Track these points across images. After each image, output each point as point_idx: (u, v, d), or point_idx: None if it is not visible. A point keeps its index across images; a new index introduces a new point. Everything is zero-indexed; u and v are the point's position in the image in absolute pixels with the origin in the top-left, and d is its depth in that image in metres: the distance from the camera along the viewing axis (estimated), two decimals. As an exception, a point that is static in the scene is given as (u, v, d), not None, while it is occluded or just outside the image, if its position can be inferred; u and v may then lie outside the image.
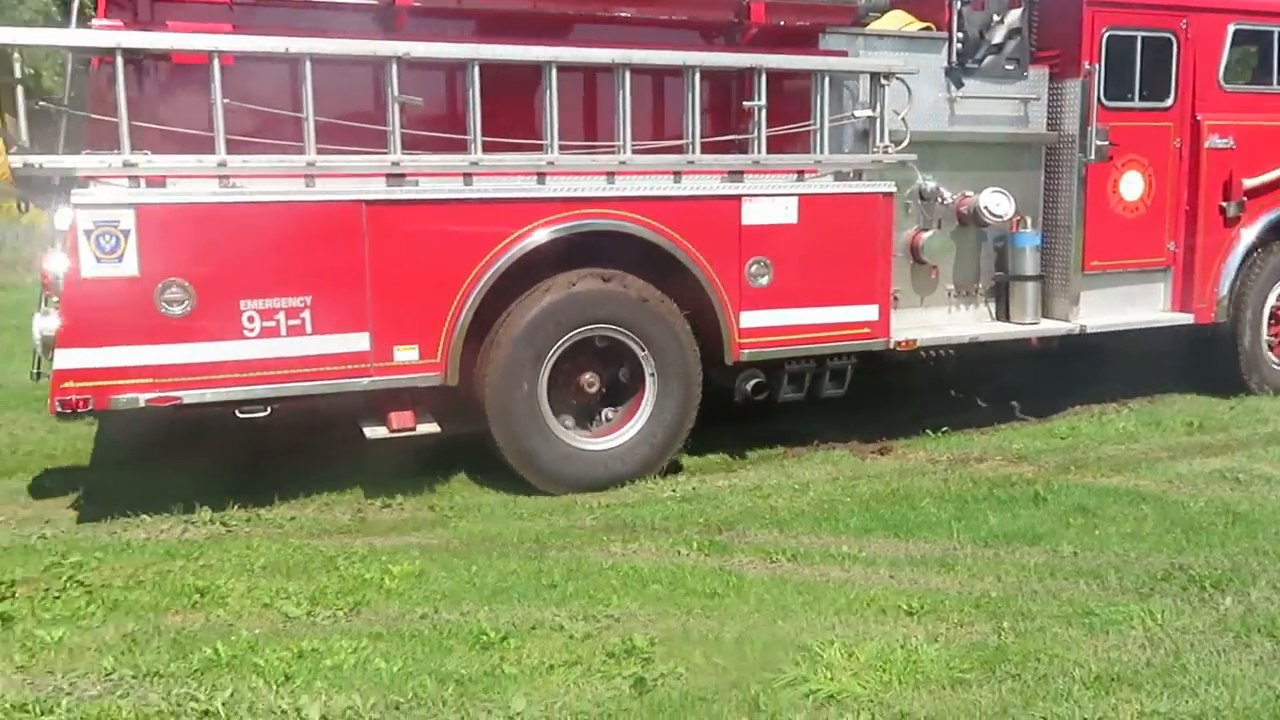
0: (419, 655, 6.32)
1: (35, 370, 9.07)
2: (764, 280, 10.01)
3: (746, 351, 10.09)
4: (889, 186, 10.29)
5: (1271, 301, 12.83)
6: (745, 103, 9.93)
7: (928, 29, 11.10)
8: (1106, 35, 11.42)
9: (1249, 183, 12.23)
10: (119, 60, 8.07)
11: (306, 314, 8.62)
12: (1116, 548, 8.10)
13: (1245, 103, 12.29)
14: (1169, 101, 11.92)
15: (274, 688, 5.88)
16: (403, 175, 8.88)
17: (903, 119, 10.25)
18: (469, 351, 9.36)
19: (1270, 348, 12.96)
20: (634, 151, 9.53)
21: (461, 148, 9.08)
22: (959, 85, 10.99)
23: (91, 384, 8.14)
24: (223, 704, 5.69)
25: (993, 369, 12.59)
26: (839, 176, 10.28)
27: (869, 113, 10.23)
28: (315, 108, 8.54)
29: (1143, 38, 11.64)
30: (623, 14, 10.09)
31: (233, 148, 8.38)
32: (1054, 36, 11.56)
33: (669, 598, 7.19)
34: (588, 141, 9.80)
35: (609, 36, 9.91)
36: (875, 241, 10.29)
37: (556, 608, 7.01)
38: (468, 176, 9.11)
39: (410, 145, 8.94)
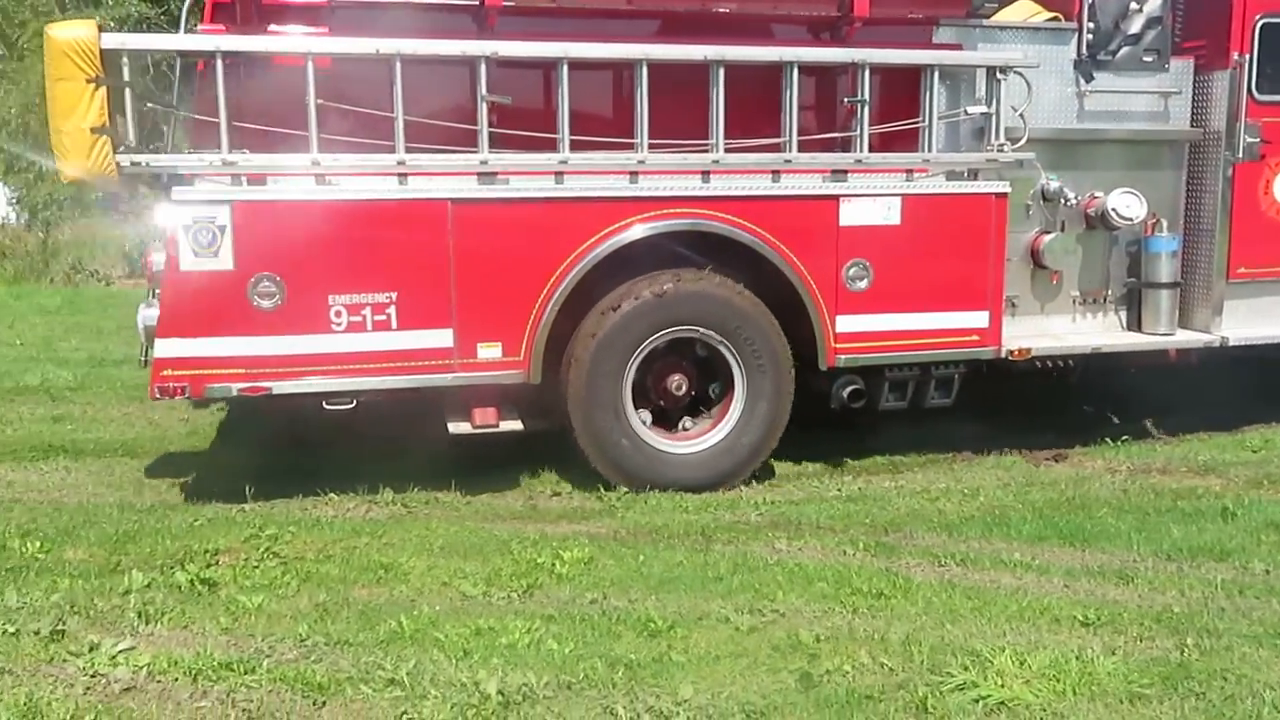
0: (589, 639, 6.85)
1: (143, 358, 9.74)
2: (863, 283, 10.21)
3: (843, 357, 10.31)
4: (1002, 186, 10.37)
5: None
6: (846, 99, 10.22)
7: (1055, 19, 11.10)
8: (1260, 23, 11.09)
9: None
10: (218, 63, 8.85)
11: (392, 310, 9.31)
12: (1313, 567, 8.17)
13: None
14: None
15: (454, 662, 6.48)
16: (493, 174, 9.49)
17: (1020, 115, 10.34)
18: (555, 350, 9.89)
19: None
20: (728, 150, 9.91)
21: (552, 147, 9.60)
22: (1089, 79, 10.94)
23: (188, 372, 9.04)
24: (407, 674, 6.29)
25: (1164, 382, 12.58)
26: (951, 176, 10.40)
27: (983, 109, 10.34)
28: (406, 107, 9.20)
29: None
30: (722, 10, 10.28)
31: (329, 147, 9.14)
32: (1200, 25, 11.39)
33: (834, 596, 7.57)
34: (685, 140, 10.03)
35: (708, 33, 10.14)
36: (986, 244, 10.40)
37: (722, 600, 7.48)
38: (558, 175, 9.65)
39: (500, 144, 9.52)
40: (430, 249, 9.34)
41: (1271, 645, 6.80)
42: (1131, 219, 10.97)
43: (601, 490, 10.07)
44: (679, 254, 10.06)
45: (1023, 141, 10.42)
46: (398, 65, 9.06)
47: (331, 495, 9.84)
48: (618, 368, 9.92)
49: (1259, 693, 6.15)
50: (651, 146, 9.74)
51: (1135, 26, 10.99)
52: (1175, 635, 6.95)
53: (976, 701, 6.08)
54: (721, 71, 9.74)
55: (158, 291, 9.33)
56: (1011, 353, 10.78)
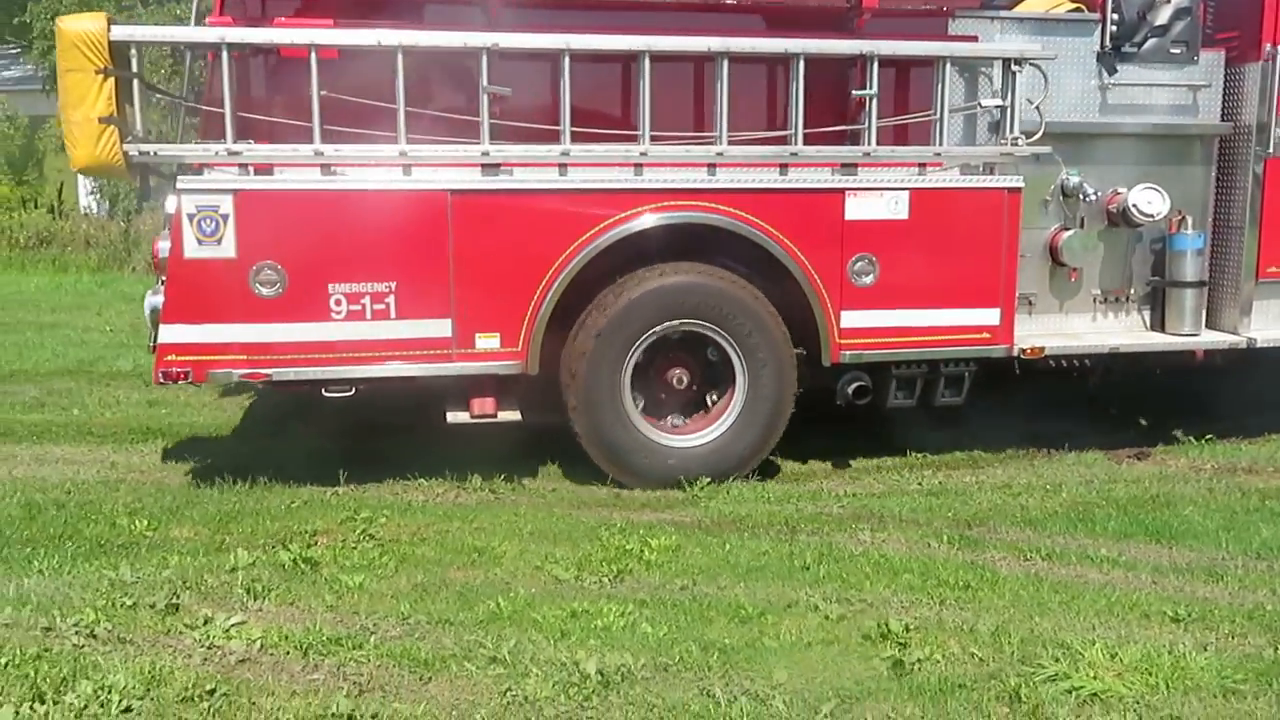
0: (682, 623, 7.09)
1: (150, 344, 9.70)
2: (868, 279, 10.15)
3: (848, 353, 10.27)
4: (1015, 181, 10.28)
5: None
6: (854, 91, 10.17)
7: (1077, 10, 10.93)
8: None
9: None
10: (224, 54, 9.08)
11: (391, 299, 9.49)
12: None
13: None
14: None
15: (552, 642, 6.76)
16: (497, 166, 9.57)
17: (1037, 108, 10.26)
18: (555, 342, 9.94)
19: None
20: (733, 143, 9.88)
21: (555, 138, 9.62)
22: (1112, 71, 10.78)
23: (191, 358, 9.33)
24: (508, 652, 6.60)
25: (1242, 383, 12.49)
26: (967, 170, 10.35)
27: (997, 102, 10.28)
28: (412, 99, 9.36)
29: None
30: (729, 0, 10.28)
31: (336, 138, 9.33)
32: (1233, 16, 11.15)
33: (921, 587, 7.74)
34: (693, 132, 10.05)
35: (716, 25, 10.13)
36: (998, 240, 10.31)
37: (810, 589, 7.69)
38: (563, 167, 9.70)
39: (506, 136, 9.57)
40: (429, 239, 9.49)
41: (1365, 645, 6.83)
42: (1153, 215, 10.82)
43: (684, 480, 10.19)
44: (682, 247, 10.07)
45: (1038, 135, 10.29)
46: (399, 57, 9.17)
47: (420, 481, 10.22)
48: (617, 360, 9.97)
49: None
50: (656, 139, 9.75)
51: (1162, 17, 10.84)
52: (1269, 633, 7.03)
53: (1069, 693, 6.17)
54: (726, 63, 9.72)
55: (164, 279, 9.47)
56: (1024, 351, 10.69)
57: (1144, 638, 6.89)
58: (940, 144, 10.25)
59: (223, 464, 10.38)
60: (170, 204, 9.37)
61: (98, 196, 33.33)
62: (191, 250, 9.12)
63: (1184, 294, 11.15)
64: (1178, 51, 10.94)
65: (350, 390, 9.73)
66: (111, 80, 8.87)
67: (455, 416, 9.96)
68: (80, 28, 8.89)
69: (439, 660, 6.53)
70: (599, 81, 10.12)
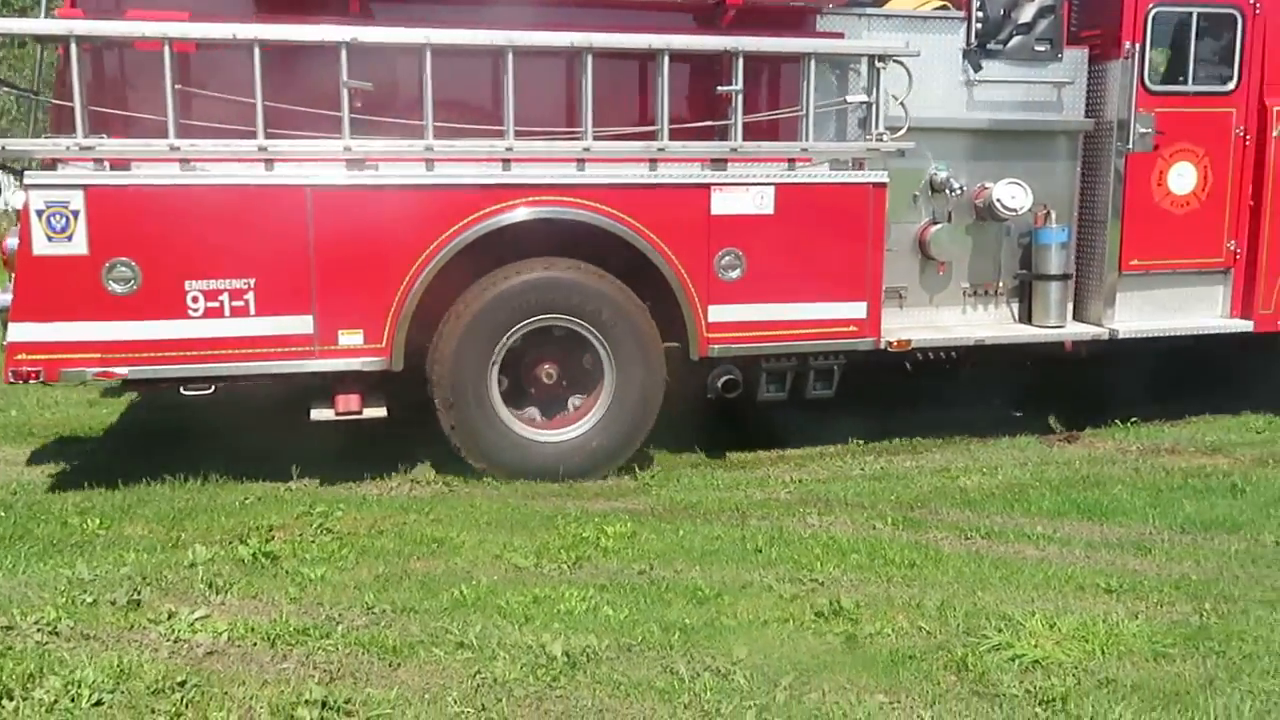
0: (642, 605, 7.29)
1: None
2: (735, 273, 10.29)
3: (716, 347, 10.42)
4: (879, 176, 10.48)
5: None
6: (719, 87, 10.26)
7: (944, 8, 11.34)
8: (1152, 11, 11.29)
9: None
10: (73, 47, 8.95)
11: (251, 296, 9.45)
12: (1323, 538, 8.79)
13: None
14: (1231, 85, 11.74)
15: (517, 626, 6.90)
16: (362, 160, 9.57)
17: (902, 104, 10.40)
18: (426, 337, 9.98)
19: None
20: (600, 139, 9.95)
21: (421, 133, 9.63)
22: (978, 69, 11.13)
23: (42, 356, 9.20)
24: (475, 637, 6.71)
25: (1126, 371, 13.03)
26: (836, 165, 10.55)
27: (862, 98, 10.46)
28: (274, 93, 9.40)
29: (1199, 14, 11.49)
30: None
31: (192, 132, 9.34)
32: (1096, 14, 11.58)
33: (869, 566, 8.08)
34: (565, 127, 10.14)
35: (573, 21, 10.12)
36: (864, 235, 10.52)
37: (763, 570, 7.97)
38: (429, 163, 9.71)
39: (373, 130, 9.60)
40: (289, 236, 9.45)
41: (1287, 609, 7.33)
42: (1016, 210, 11.18)
43: (635, 469, 10.56)
44: (556, 244, 10.12)
45: (903, 131, 10.46)
46: (256, 51, 9.13)
47: (373, 475, 10.30)
48: (483, 356, 10.02)
49: (1276, 650, 6.67)
50: (525, 134, 9.81)
51: (1027, 15, 11.18)
52: (1194, 601, 7.46)
53: (1013, 660, 6.52)
54: (590, 59, 9.78)
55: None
56: (891, 344, 10.95)
57: (1080, 608, 7.28)
58: (808, 139, 10.39)
59: (172, 462, 10.29)
60: (18, 200, 9.25)
61: None
62: (41, 247, 9.00)
63: (1049, 287, 11.55)
64: (1042, 49, 11.34)
65: (210, 389, 9.73)
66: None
67: (320, 413, 9.94)
68: None
69: (407, 646, 6.61)
70: (466, 77, 10.12)
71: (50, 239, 8.97)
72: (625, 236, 10.06)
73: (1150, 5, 11.34)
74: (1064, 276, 11.56)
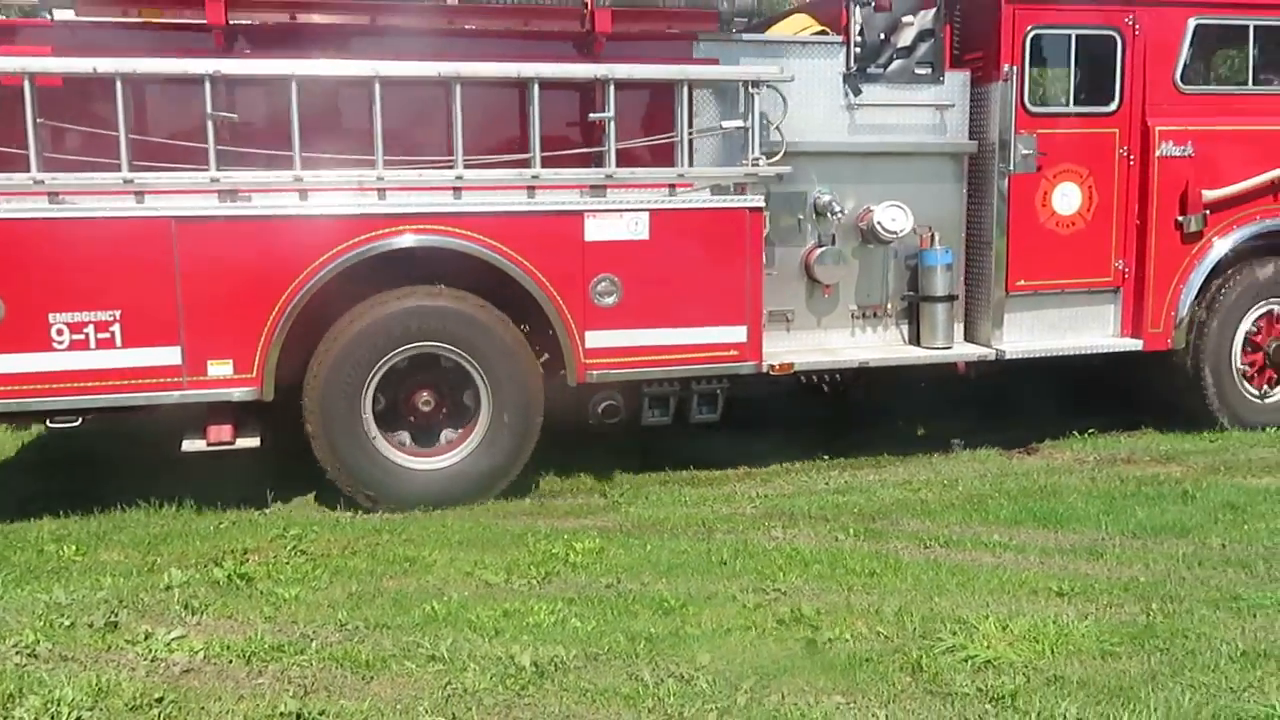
0: (609, 617, 7.52)
1: None
2: (611, 299, 10.30)
3: (594, 373, 10.42)
4: (756, 201, 10.52)
5: (1246, 326, 12.57)
6: (592, 115, 10.30)
7: (823, 33, 11.32)
8: (1031, 35, 11.40)
9: (1210, 195, 12.01)
10: None
11: (116, 327, 9.44)
12: (1266, 541, 9.07)
13: (1208, 106, 12.15)
14: (1113, 106, 11.84)
15: (487, 639, 7.13)
16: (233, 192, 9.55)
17: (777, 129, 10.59)
18: (298, 367, 9.89)
19: (1246, 378, 12.73)
20: (472, 167, 9.93)
21: (290, 164, 9.59)
22: (858, 93, 11.16)
23: None
24: (446, 650, 6.91)
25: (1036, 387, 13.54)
26: (718, 191, 10.57)
27: (736, 124, 10.50)
28: (141, 125, 9.59)
29: (1078, 36, 11.59)
30: (468, 26, 10.24)
31: (58, 165, 9.36)
32: (976, 38, 11.66)
33: (830, 575, 8.34)
34: (441, 156, 10.03)
35: (459, 51, 10.08)
36: (741, 259, 10.53)
37: (728, 581, 8.20)
38: (302, 193, 9.66)
39: (244, 162, 9.58)
40: (154, 268, 9.43)
41: (1228, 608, 7.63)
42: (897, 232, 11.23)
43: (605, 488, 10.99)
44: (433, 272, 10.08)
45: (779, 155, 10.59)
46: (118, 84, 9.16)
47: (344, 498, 10.29)
48: (355, 384, 9.99)
49: (1216, 647, 6.96)
50: (397, 163, 9.81)
51: (906, 39, 11.24)
52: (1141, 602, 7.74)
53: (965, 661, 6.79)
54: (459, 88, 9.77)
55: None
56: (773, 367, 10.98)
57: (1032, 610, 7.53)
58: (686, 165, 10.42)
59: (146, 489, 10.29)
60: None
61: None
62: None
63: (935, 308, 11.57)
64: (923, 72, 11.39)
65: (77, 421, 9.73)
66: None
67: (191, 444, 9.92)
68: None
69: (379, 660, 6.81)
70: (338, 107, 10.13)
71: (-91, 274, 8.90)
72: (497, 264, 10.03)
73: (1028, 27, 11.45)
74: (949, 298, 11.59)
